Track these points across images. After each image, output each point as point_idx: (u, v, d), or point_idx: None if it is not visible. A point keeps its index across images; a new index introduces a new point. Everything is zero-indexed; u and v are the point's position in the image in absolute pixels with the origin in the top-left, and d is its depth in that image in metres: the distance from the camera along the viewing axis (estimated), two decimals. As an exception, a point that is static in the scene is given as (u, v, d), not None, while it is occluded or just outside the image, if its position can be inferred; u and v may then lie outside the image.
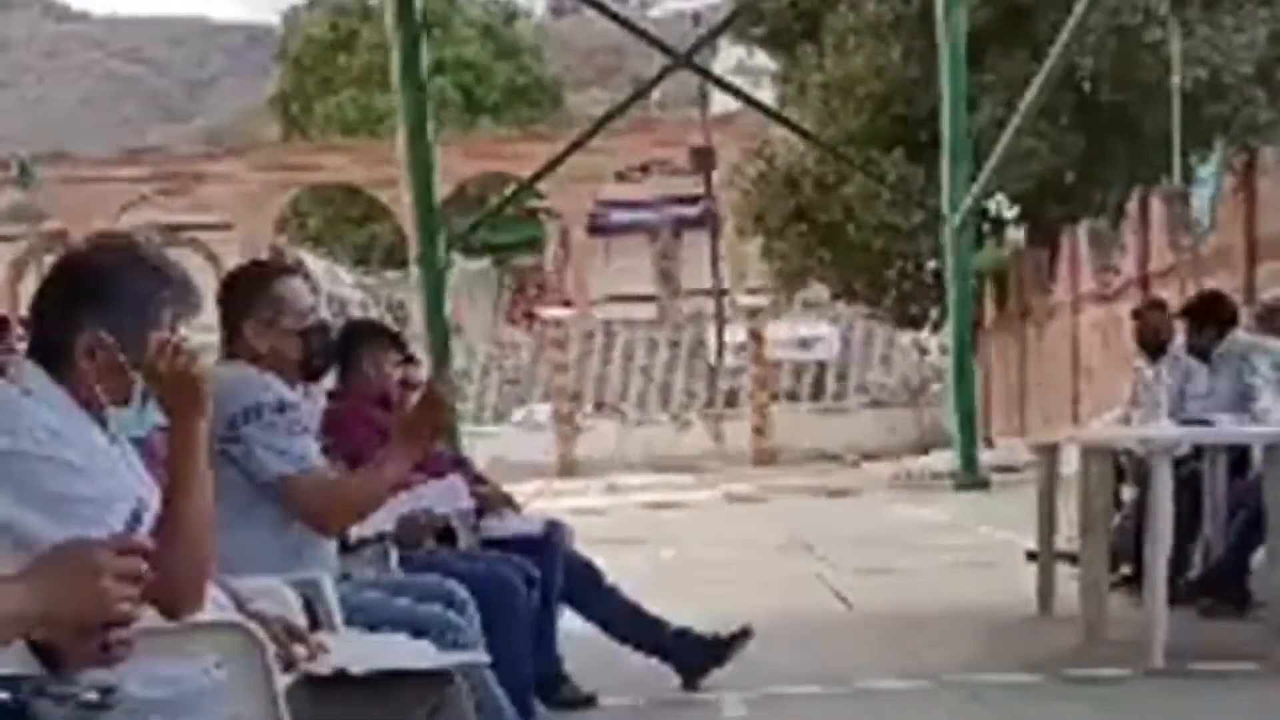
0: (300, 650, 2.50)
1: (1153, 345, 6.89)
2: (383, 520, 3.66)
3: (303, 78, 38.15)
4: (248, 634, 2.33)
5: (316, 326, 3.16)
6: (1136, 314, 7.24)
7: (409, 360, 5.56)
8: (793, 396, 24.99)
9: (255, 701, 2.28)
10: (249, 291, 3.13)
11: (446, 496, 4.04)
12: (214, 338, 3.11)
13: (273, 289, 3.11)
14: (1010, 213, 18.39)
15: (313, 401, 3.93)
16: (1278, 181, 12.05)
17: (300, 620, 2.72)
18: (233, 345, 3.10)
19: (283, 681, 2.40)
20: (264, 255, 28.24)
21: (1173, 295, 12.87)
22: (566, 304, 29.25)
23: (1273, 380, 6.13)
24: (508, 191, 21.73)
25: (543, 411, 25.01)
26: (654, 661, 4.88)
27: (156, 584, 1.68)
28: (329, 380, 4.90)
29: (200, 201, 30.56)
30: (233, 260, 31.49)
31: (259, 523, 3.01)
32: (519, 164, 25.33)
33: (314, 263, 23.45)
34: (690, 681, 4.85)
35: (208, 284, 2.93)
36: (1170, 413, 6.26)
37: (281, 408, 3.01)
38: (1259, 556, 5.73)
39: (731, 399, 24.74)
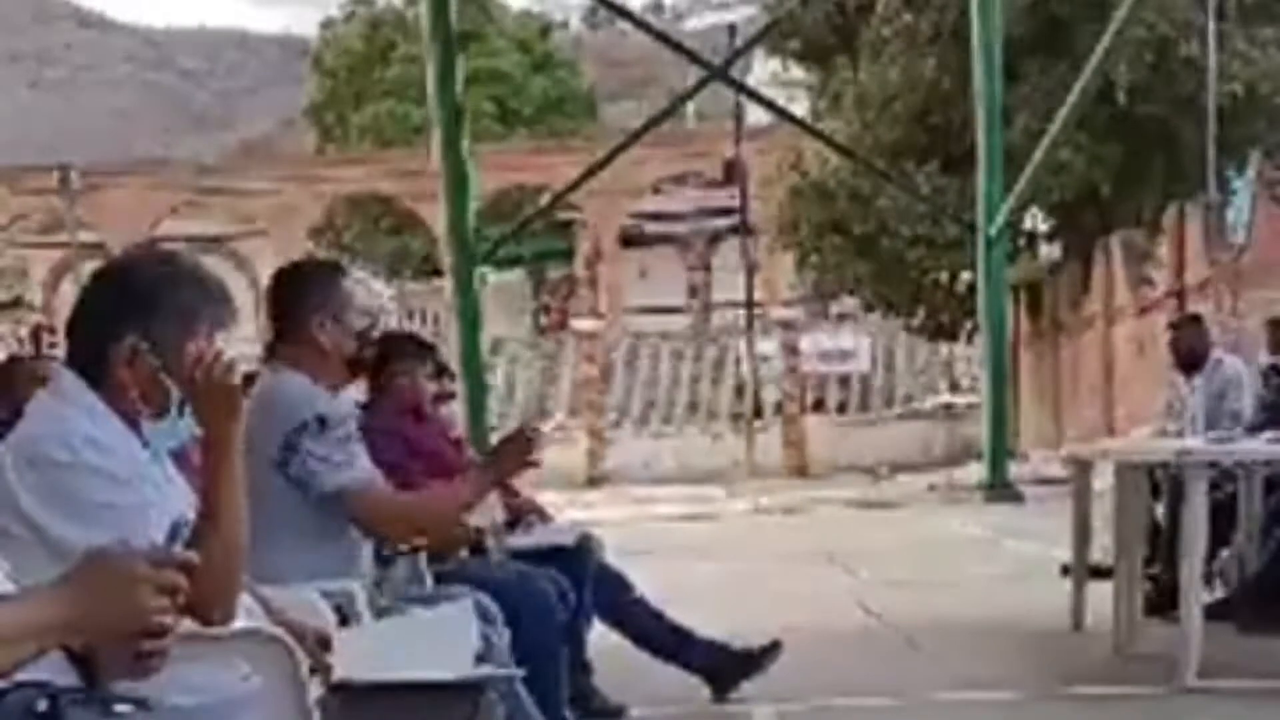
0: (330, 658, 2.51)
1: (1188, 360, 6.85)
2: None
3: (338, 89, 38.37)
4: (281, 643, 2.34)
5: (371, 329, 3.20)
6: (1172, 328, 7.20)
7: (443, 373, 5.57)
8: (825, 409, 24.93)
9: (287, 711, 2.29)
10: (323, 285, 3.15)
11: (480, 508, 4.04)
12: (251, 348, 3.12)
13: (341, 284, 3.15)
14: (1045, 226, 18.31)
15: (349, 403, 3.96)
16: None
17: (333, 630, 2.73)
18: (290, 337, 3.09)
19: (316, 690, 2.41)
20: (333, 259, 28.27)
21: (1208, 309, 12.80)
22: (598, 315, 29.27)
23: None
24: (541, 203, 21.79)
25: (573, 422, 25.02)
26: (684, 673, 4.87)
27: (190, 591, 1.69)
28: (359, 391, 4.93)
29: (235, 212, 30.77)
30: (267, 271, 31.67)
31: (305, 534, 3.04)
32: (552, 175, 25.38)
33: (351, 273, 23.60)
34: (720, 694, 4.85)
35: (241, 294, 2.96)
36: (1207, 427, 6.22)
37: (337, 421, 3.03)
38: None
39: (763, 411, 24.70)
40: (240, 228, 30.43)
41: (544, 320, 32.93)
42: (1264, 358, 6.68)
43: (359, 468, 3.04)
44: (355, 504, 3.02)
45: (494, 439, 14.10)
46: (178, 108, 66.55)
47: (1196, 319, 7.43)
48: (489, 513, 4.05)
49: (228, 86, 69.33)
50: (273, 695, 2.31)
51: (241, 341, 2.71)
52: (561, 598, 4.12)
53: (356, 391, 4.80)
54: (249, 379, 5.43)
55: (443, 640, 2.87)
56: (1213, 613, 5.38)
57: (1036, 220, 18.05)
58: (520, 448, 3.17)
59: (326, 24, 41.04)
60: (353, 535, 3.14)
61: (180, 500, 2.24)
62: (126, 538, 1.96)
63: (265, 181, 30.65)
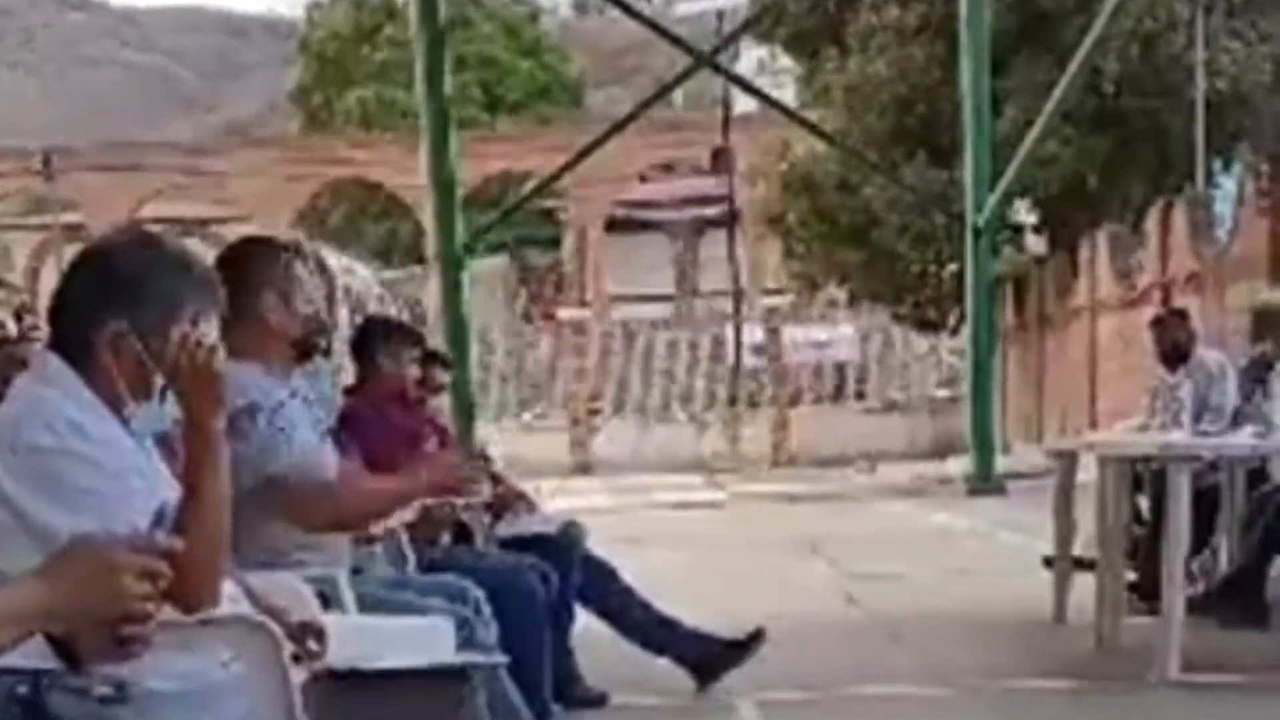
0: (316, 646, 2.50)
1: (1172, 354, 6.86)
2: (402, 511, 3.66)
3: (325, 71, 38.20)
4: (264, 629, 2.34)
5: (318, 316, 3.14)
6: (1156, 322, 7.21)
7: (429, 357, 5.56)
8: (811, 398, 24.96)
9: (271, 696, 2.29)
10: (270, 261, 3.08)
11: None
12: None
13: (293, 264, 3.09)
14: (1031, 218, 18.33)
15: (317, 382, 3.89)
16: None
17: (317, 615, 2.72)
18: (236, 320, 2.89)
19: (298, 677, 2.41)
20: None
21: (1193, 303, 12.84)
22: (584, 303, 29.25)
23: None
24: (527, 189, 21.74)
25: (560, 410, 25.02)
26: (668, 662, 4.88)
27: (173, 578, 1.68)
28: (346, 376, 4.92)
29: (219, 195, 30.63)
30: (252, 254, 31.43)
31: (252, 519, 2.96)
32: (539, 161, 25.31)
33: (332, 258, 23.48)
34: (704, 683, 4.85)
35: None
36: (1192, 421, 6.22)
37: (274, 409, 2.96)
38: (1276, 567, 5.71)
39: (750, 400, 24.71)
40: (224, 212, 30.29)
41: (529, 307, 32.89)
42: (1216, 359, 6.67)
43: (286, 455, 2.96)
44: (281, 494, 2.96)
45: (478, 428, 14.15)
46: (161, 89, 66.23)
47: (1181, 313, 7.44)
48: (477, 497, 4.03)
49: (212, 68, 68.98)
50: (256, 681, 2.31)
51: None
52: (546, 586, 4.13)
53: (345, 376, 4.80)
54: None
55: (425, 630, 2.87)
56: (1195, 606, 5.40)
57: (1023, 212, 18.06)
58: (453, 470, 3.11)
59: (313, 6, 40.87)
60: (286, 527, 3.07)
61: (164, 487, 2.23)
62: (110, 524, 1.95)
63: (250, 165, 30.51)
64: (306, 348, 3.19)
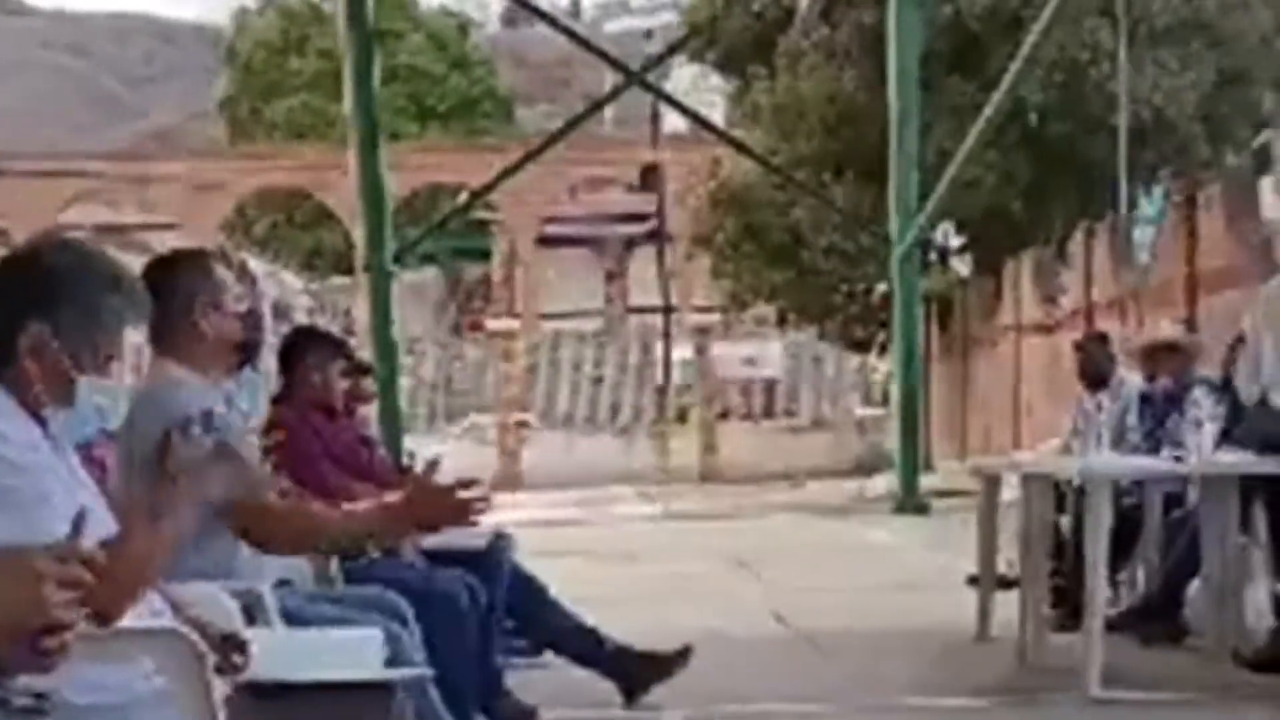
0: (238, 658, 2.47)
1: (1093, 377, 6.97)
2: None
3: (252, 80, 37.86)
4: (186, 641, 2.31)
5: (250, 312, 3.20)
6: (1079, 346, 7.32)
7: (357, 369, 5.51)
8: (739, 415, 25.07)
9: (193, 709, 2.26)
10: (199, 272, 3.09)
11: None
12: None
13: (215, 270, 3.11)
14: (956, 240, 18.55)
15: (251, 390, 3.88)
16: (1218, 218, 12.25)
17: (240, 628, 2.69)
18: (171, 330, 2.99)
19: (221, 689, 2.38)
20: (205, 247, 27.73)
21: (1115, 327, 13.05)
22: (514, 316, 29.18)
23: (1211, 414, 6.23)
24: (458, 202, 21.68)
25: (488, 422, 24.92)
26: (595, 676, 4.86)
27: (94, 593, 1.66)
28: (272, 387, 4.86)
29: (144, 202, 30.25)
30: (177, 262, 31.02)
31: (198, 534, 2.93)
32: (469, 175, 25.24)
33: (259, 267, 23.23)
34: (631, 697, 4.84)
35: None
36: (1111, 444, 6.33)
37: (217, 417, 2.86)
38: (1193, 588, 5.82)
39: (679, 416, 24.77)
40: (149, 218, 29.90)
41: (459, 320, 32.76)
42: (1137, 383, 6.79)
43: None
44: (231, 512, 2.91)
45: (406, 441, 14.05)
46: (88, 94, 65.26)
47: (1102, 338, 7.55)
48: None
49: (140, 74, 68.10)
50: (178, 694, 2.28)
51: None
52: (473, 598, 4.10)
53: (270, 386, 4.74)
54: None
55: (352, 643, 2.84)
56: (1115, 624, 5.48)
57: (949, 235, 18.27)
58: (448, 499, 2.89)
59: (240, 14, 40.49)
60: (232, 540, 3.04)
61: (83, 493, 2.20)
62: (26, 523, 1.92)
63: (176, 172, 30.17)
64: (247, 350, 3.18)
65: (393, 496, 3.14)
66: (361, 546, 3.23)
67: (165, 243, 28.63)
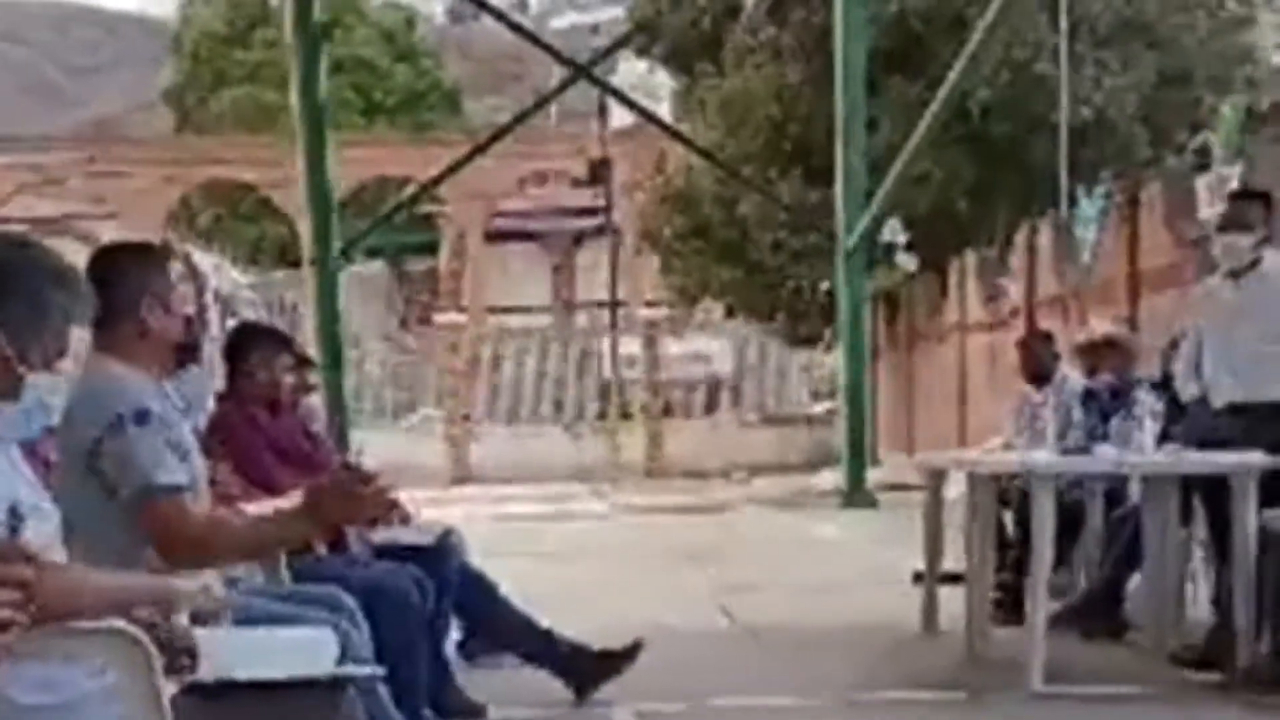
0: (185, 658, 2.45)
1: (1036, 374, 7.05)
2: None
3: (197, 71, 37.48)
4: (133, 639, 2.29)
5: (195, 315, 3.10)
6: (1022, 343, 7.39)
7: (301, 364, 5.48)
8: (687, 411, 25.10)
9: (141, 707, 2.25)
10: (150, 267, 3.02)
11: None
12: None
13: (167, 268, 3.05)
14: (902, 238, 18.66)
15: (194, 386, 3.85)
16: (1159, 218, 12.40)
17: (186, 627, 2.66)
18: (116, 324, 2.91)
19: (169, 688, 2.36)
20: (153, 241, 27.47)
21: (1057, 325, 13.18)
22: (461, 310, 29.06)
23: (1152, 412, 6.32)
24: (405, 195, 21.54)
25: (435, 417, 24.80)
26: (545, 673, 4.87)
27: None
28: (217, 382, 4.83)
29: (87, 193, 29.87)
30: (120, 255, 30.63)
31: (110, 539, 2.80)
32: (416, 168, 25.11)
33: (203, 260, 22.97)
34: (581, 694, 4.85)
35: None
36: (1054, 441, 6.39)
37: (152, 419, 2.86)
38: (1134, 583, 5.91)
39: (626, 412, 24.77)
40: (92, 209, 29.53)
41: (406, 314, 32.60)
42: (1078, 380, 6.87)
43: (168, 473, 2.83)
44: (151, 513, 2.81)
45: (353, 435, 13.98)
46: (29, 83, 64.28)
47: (1046, 335, 7.64)
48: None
49: (82, 63, 67.20)
50: (126, 692, 2.27)
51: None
52: (422, 595, 4.10)
53: (216, 381, 4.71)
54: None
55: (307, 641, 2.82)
56: (1058, 619, 5.55)
57: (895, 232, 18.38)
58: (343, 497, 2.78)
59: (186, 4, 40.05)
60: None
61: (21, 486, 2.18)
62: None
63: (120, 163, 29.81)
64: (187, 350, 3.14)
65: (293, 498, 3.05)
66: (274, 554, 3.12)
67: (108, 234, 28.35)
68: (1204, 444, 5.25)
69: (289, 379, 4.86)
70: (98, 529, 2.73)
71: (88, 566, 2.39)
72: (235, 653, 2.63)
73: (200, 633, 2.51)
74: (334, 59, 22.54)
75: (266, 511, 3.18)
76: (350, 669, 2.94)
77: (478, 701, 4.62)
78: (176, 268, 3.12)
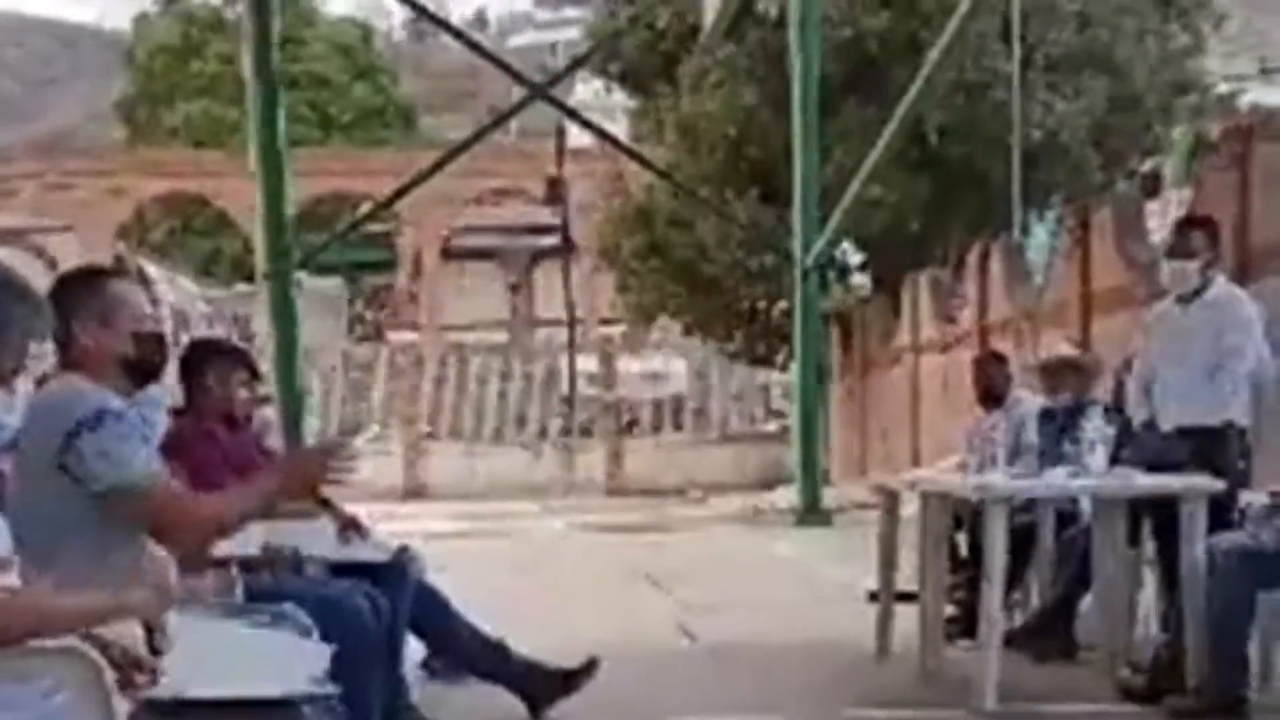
0: (139, 676, 2.44)
1: (990, 395, 7.10)
2: (245, 544, 3.60)
3: (151, 84, 37.25)
4: (86, 659, 2.28)
5: (152, 333, 3.13)
6: (977, 365, 7.44)
7: (254, 378, 5.45)
8: (643, 429, 25.09)
9: (95, 726, 2.23)
10: (82, 290, 3.08)
11: (315, 539, 3.98)
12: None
13: (108, 288, 3.08)
14: (857, 258, 18.78)
15: (151, 408, 3.83)
16: (1110, 241, 12.54)
17: (141, 645, 2.65)
18: (65, 351, 3.00)
19: (122, 707, 2.35)
20: (104, 262, 27.37)
21: (1009, 347, 13.28)
22: (417, 327, 28.96)
23: (1103, 435, 6.38)
24: (361, 211, 21.50)
25: (388, 435, 24.68)
26: (500, 691, 4.85)
27: None
28: (173, 397, 4.80)
29: (39, 206, 29.57)
30: (72, 266, 30.38)
31: (93, 542, 2.89)
32: (372, 184, 25.03)
33: (157, 273, 22.82)
34: (537, 712, 4.84)
35: (44, 287, 2.90)
36: (1007, 462, 6.44)
37: (117, 416, 2.93)
38: (1085, 603, 5.96)
39: (584, 429, 24.75)
40: (45, 222, 29.23)
41: (361, 330, 32.46)
42: (1038, 401, 6.94)
43: (141, 463, 2.92)
44: (140, 504, 2.90)
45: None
46: (-21, 95, 63.65)
47: (999, 356, 7.69)
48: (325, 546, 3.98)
49: (37, 75, 66.60)
50: (79, 711, 2.25)
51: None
52: (376, 613, 4.07)
53: (170, 397, 4.67)
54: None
55: (262, 657, 2.82)
56: (1011, 639, 5.59)
57: (850, 252, 18.49)
58: (316, 459, 3.10)
59: (140, 18, 39.81)
60: (143, 544, 2.99)
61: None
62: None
63: (73, 175, 29.55)
64: (146, 368, 3.13)
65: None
66: (258, 512, 3.19)
67: (63, 247, 28.10)
68: (1153, 467, 5.31)
69: (244, 393, 4.84)
70: (72, 530, 2.81)
71: (55, 575, 2.40)
72: (232, 653, 2.62)
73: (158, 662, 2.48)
74: (290, 74, 22.48)
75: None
76: (305, 687, 2.93)
77: (432, 719, 4.60)
78: (124, 286, 3.14)
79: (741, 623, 7.42)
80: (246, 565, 3.78)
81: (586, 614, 7.74)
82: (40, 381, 2.85)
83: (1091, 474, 5.64)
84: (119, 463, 2.88)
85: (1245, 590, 4.64)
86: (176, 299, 23.31)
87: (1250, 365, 5.32)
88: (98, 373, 3.02)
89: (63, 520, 2.82)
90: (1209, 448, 5.21)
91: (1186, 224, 5.72)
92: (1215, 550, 4.82)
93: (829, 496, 15.32)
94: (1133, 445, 5.95)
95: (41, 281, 3.03)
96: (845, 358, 21.33)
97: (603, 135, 17.58)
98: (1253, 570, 4.65)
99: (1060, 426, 6.58)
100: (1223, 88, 17.44)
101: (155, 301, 20.34)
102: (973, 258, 16.45)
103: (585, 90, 27.61)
